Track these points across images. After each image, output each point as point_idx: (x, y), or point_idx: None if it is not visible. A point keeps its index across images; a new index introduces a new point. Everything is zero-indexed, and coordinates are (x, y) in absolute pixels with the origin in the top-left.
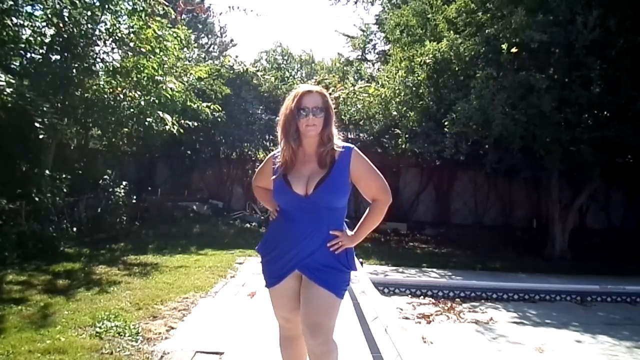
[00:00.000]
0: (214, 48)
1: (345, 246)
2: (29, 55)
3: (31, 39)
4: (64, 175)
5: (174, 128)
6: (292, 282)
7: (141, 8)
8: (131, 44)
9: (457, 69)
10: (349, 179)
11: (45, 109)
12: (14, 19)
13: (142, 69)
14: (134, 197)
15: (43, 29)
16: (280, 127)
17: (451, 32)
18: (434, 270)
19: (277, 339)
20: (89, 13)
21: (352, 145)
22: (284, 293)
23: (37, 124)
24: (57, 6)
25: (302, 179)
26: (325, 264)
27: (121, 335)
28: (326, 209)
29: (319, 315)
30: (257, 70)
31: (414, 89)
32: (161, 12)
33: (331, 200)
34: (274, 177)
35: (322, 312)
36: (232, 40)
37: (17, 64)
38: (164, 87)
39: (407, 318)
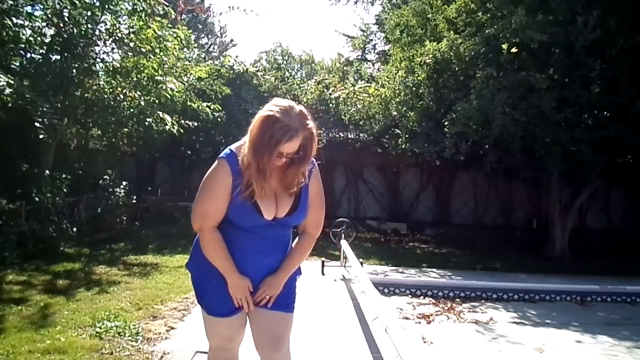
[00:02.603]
0: (214, 48)
1: (271, 295)
2: (29, 55)
3: (31, 39)
4: (64, 175)
5: (174, 128)
6: None
7: (141, 8)
8: (131, 44)
9: (457, 69)
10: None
11: (45, 109)
12: (14, 19)
13: (142, 69)
14: (134, 197)
15: (43, 29)
16: (252, 154)
17: (451, 32)
18: (434, 270)
19: None
20: (89, 13)
21: (314, 161)
22: (240, 316)
23: (37, 124)
24: (57, 6)
25: (271, 202)
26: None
27: (121, 335)
28: (290, 226)
29: (280, 328)
30: (257, 70)
31: (414, 89)
32: (161, 12)
33: (299, 220)
34: (238, 196)
35: (282, 325)
36: (232, 40)
37: (17, 64)
38: (164, 87)
39: (407, 318)
